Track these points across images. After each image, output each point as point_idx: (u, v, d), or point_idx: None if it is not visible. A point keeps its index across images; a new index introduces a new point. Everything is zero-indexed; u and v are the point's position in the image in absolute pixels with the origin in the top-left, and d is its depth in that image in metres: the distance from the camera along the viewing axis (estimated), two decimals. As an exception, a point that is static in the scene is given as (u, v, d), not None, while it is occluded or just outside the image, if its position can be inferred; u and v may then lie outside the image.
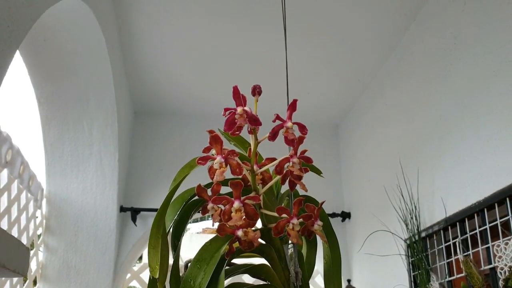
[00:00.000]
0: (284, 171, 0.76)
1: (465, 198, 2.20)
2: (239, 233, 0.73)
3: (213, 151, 0.76)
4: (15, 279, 2.66)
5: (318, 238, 0.94)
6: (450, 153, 2.39)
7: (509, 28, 2.01)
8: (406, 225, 2.58)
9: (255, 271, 0.82)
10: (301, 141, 0.72)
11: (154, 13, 2.84)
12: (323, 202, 0.82)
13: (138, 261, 4.31)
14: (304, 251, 1.02)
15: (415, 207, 2.59)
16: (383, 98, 3.27)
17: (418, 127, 2.74)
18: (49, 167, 3.18)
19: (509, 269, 1.83)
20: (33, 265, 3.05)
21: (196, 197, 0.79)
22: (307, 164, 0.75)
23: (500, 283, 1.86)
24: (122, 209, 3.47)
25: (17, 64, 2.78)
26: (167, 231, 0.74)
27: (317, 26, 2.96)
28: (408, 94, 2.91)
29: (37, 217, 3.09)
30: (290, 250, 0.95)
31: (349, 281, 3.22)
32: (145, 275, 4.15)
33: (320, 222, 0.79)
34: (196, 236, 6.71)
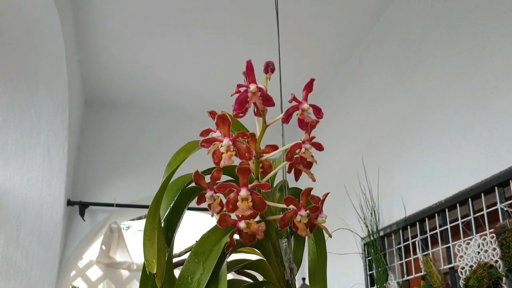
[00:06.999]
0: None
1: (426, 198, 2.22)
2: (241, 224, 0.66)
3: (214, 134, 0.69)
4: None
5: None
6: (412, 152, 2.40)
7: (475, 32, 2.04)
8: (365, 224, 2.59)
9: (253, 267, 0.75)
10: (314, 126, 0.66)
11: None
12: (327, 194, 0.77)
13: (80, 259, 4.10)
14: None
15: (375, 205, 2.60)
16: (344, 97, 3.27)
17: (379, 126, 2.75)
18: (-9, 155, 2.95)
19: (470, 269, 1.86)
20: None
21: (192, 185, 0.71)
22: (318, 151, 0.70)
23: (461, 282, 1.88)
24: (70, 203, 3.28)
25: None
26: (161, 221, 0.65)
27: (278, 23, 2.91)
28: (369, 94, 2.92)
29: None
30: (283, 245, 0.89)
31: (303, 279, 3.19)
32: (91, 273, 3.95)
33: (324, 215, 0.74)
34: (140, 234, 6.45)
